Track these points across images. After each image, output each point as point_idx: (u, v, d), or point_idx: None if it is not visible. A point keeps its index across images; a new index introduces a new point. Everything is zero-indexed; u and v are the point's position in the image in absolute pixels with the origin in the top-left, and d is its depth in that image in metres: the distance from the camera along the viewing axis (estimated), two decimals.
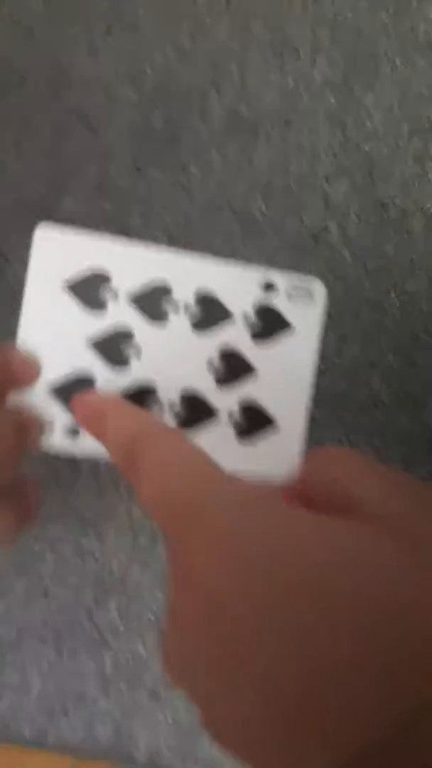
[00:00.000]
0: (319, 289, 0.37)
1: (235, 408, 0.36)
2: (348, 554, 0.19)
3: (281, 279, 0.37)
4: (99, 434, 0.30)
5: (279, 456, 0.35)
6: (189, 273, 0.35)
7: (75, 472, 0.66)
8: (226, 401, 0.36)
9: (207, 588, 0.19)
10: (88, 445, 0.34)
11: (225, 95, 0.65)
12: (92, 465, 0.66)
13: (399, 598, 0.18)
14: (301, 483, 0.25)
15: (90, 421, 0.31)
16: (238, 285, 0.36)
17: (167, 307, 0.35)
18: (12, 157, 0.68)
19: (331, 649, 0.17)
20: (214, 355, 0.36)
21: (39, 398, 0.34)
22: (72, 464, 0.65)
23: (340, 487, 0.23)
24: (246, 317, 0.36)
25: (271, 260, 0.64)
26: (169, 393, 0.35)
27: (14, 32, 0.68)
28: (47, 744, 0.68)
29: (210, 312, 0.36)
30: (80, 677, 0.67)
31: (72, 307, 0.35)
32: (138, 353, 0.35)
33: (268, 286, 0.36)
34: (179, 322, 0.35)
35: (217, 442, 0.35)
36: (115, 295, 0.35)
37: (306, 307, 0.37)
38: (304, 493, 0.25)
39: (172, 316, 0.35)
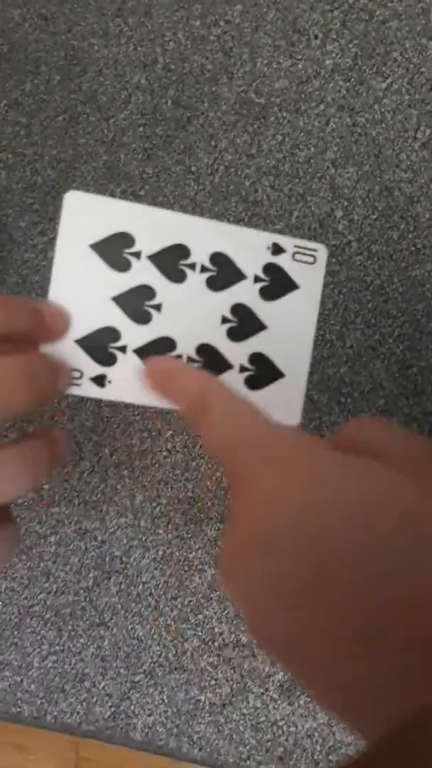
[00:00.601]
0: (321, 251, 0.39)
1: (246, 360, 0.39)
2: (376, 487, 0.22)
3: (287, 242, 0.39)
4: (169, 390, 0.34)
5: (284, 404, 0.39)
6: (205, 236, 0.38)
7: (78, 455, 0.66)
8: (238, 354, 0.39)
9: (264, 510, 0.23)
10: (112, 392, 0.38)
11: (236, 80, 0.65)
12: (96, 449, 0.66)
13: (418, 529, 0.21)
14: (334, 441, 0.29)
15: (161, 379, 0.35)
16: (249, 247, 0.39)
17: (185, 267, 0.38)
18: (24, 142, 0.69)
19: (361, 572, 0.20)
20: (228, 311, 0.39)
21: (68, 349, 0.37)
22: (75, 448, 0.66)
23: (367, 442, 0.27)
24: (256, 277, 0.39)
25: None
26: (186, 346, 0.38)
27: (29, 19, 0.69)
28: (46, 723, 0.68)
29: (224, 272, 0.39)
30: (79, 658, 0.67)
31: (98, 266, 0.38)
32: (158, 309, 0.38)
33: (276, 249, 0.39)
34: (196, 281, 0.38)
35: None
36: (138, 256, 0.38)
37: (309, 268, 0.40)
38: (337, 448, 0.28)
39: (190, 276, 0.38)
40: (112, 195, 0.67)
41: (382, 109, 0.63)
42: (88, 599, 0.67)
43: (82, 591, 0.67)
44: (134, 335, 0.38)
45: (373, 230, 0.62)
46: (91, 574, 0.67)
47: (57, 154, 0.68)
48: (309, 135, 0.64)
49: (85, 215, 0.37)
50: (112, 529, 0.66)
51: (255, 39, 0.65)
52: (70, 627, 0.67)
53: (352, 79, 0.63)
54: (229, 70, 0.66)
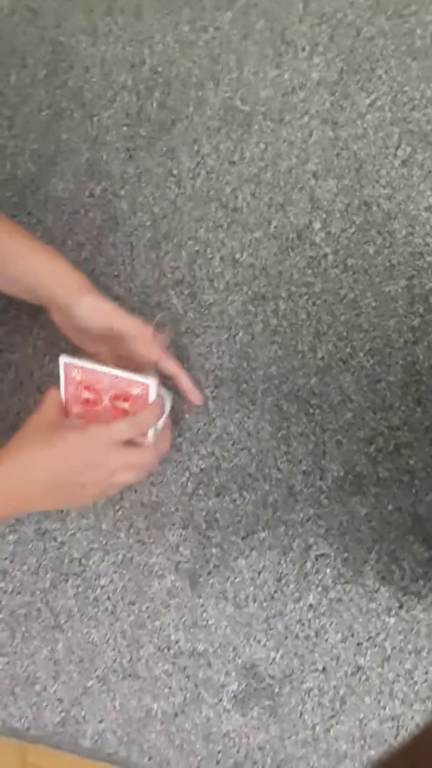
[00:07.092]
0: None
1: None
2: None
3: None
4: None
5: None
6: None
7: None
8: None
9: None
10: None
11: (222, 86, 0.66)
12: None
13: None
14: None
15: None
16: None
17: None
18: (5, 135, 0.68)
19: None
20: None
21: None
22: None
23: None
24: None
25: (254, 253, 0.64)
26: None
27: (18, 11, 0.69)
28: None
29: None
30: (31, 660, 0.66)
31: None
32: None
33: None
34: None
35: None
36: None
37: None
38: None
39: None
40: (92, 193, 0.66)
41: (365, 125, 0.63)
42: (44, 601, 0.66)
43: (38, 592, 0.66)
44: None
45: (350, 244, 0.63)
46: (48, 576, 0.66)
47: (39, 148, 0.68)
48: (291, 146, 0.64)
49: None
50: (72, 531, 0.65)
51: (243, 47, 0.65)
52: (23, 629, 0.66)
53: (336, 93, 0.64)
54: (215, 76, 0.66)
